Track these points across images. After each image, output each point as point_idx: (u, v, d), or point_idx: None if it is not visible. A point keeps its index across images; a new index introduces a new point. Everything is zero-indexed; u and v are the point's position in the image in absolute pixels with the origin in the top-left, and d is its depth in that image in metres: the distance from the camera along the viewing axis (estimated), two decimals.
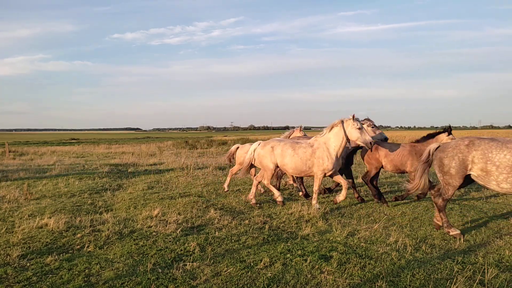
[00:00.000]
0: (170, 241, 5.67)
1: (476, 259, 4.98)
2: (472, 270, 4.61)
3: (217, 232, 6.11)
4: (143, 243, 5.63)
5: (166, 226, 6.38)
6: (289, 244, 5.56)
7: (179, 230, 6.18)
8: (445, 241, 5.73)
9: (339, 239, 5.83)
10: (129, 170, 15.29)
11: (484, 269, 4.55)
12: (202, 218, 7.07)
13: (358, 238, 5.87)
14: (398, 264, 4.82)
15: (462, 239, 5.75)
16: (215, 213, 7.29)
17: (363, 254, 5.17)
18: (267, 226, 6.50)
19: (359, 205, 8.38)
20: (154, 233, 6.07)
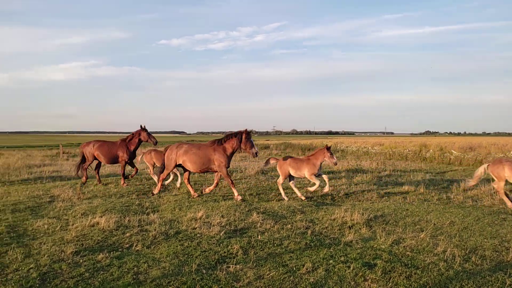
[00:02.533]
0: (213, 243, 5.80)
1: None
2: None
3: (259, 236, 6.17)
4: (188, 244, 5.79)
5: (210, 228, 6.52)
6: (332, 250, 5.52)
7: (222, 232, 6.31)
8: (497, 253, 5.47)
9: (383, 246, 5.71)
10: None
11: None
12: (245, 221, 7.16)
13: (404, 246, 5.72)
14: (446, 275, 4.67)
15: None
16: (257, 217, 7.36)
17: (409, 263, 5.04)
18: (309, 231, 6.49)
19: (404, 212, 8.15)
20: (198, 235, 6.23)
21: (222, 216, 7.44)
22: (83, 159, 12.55)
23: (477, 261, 5.14)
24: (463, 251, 5.52)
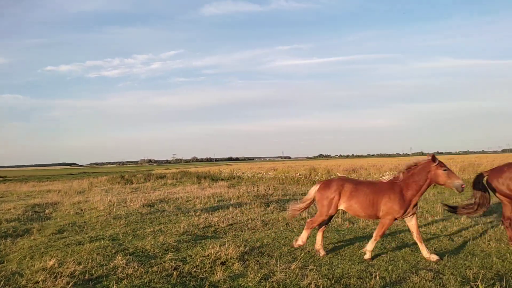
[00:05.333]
0: None
1: None
2: None
3: (114, 285, 5.39)
4: None
5: (56, 280, 5.55)
6: None
7: (70, 284, 5.40)
8: (361, 280, 5.45)
9: (251, 284, 5.36)
10: (46, 212, 13.97)
11: None
12: (105, 267, 6.30)
13: (272, 281, 5.42)
14: None
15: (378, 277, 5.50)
16: (121, 260, 6.54)
17: None
18: (175, 273, 5.89)
19: (282, 241, 8.00)
20: None
21: (79, 263, 6.48)
22: None
23: None
24: (328, 281, 5.39)
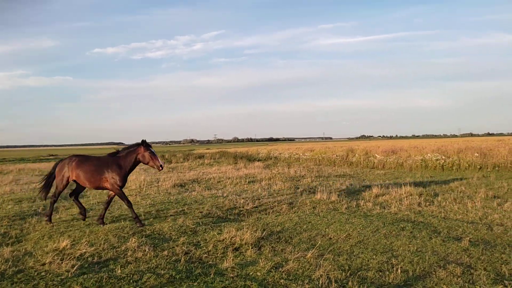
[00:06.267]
0: (54, 285, 4.77)
1: None
2: None
3: (119, 270, 5.23)
4: None
5: (62, 263, 5.45)
6: (195, 284, 4.72)
7: (75, 267, 5.27)
8: (380, 273, 4.95)
9: (259, 274, 5.01)
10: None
11: None
12: (117, 249, 6.18)
13: (282, 271, 5.05)
14: None
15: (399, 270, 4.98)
16: (134, 242, 6.40)
17: None
18: (183, 259, 5.65)
19: (305, 226, 7.59)
20: (43, 274, 5.15)
21: (92, 245, 6.40)
22: None
23: (354, 285, 4.56)
24: (344, 273, 4.94)
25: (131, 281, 4.84)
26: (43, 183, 8.80)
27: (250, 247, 6.15)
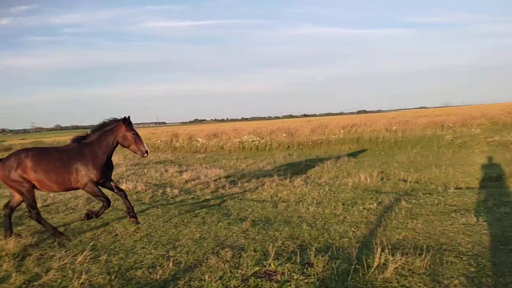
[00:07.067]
0: None
1: None
2: None
3: None
4: None
5: None
6: None
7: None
8: (152, 269, 4.64)
9: None
10: None
11: None
12: None
13: (34, 286, 4.31)
14: None
15: None
16: None
17: None
18: None
19: (93, 223, 6.87)
20: None
21: None
22: None
23: None
24: (109, 276, 4.45)
25: None
26: None
27: (12, 258, 5.18)
